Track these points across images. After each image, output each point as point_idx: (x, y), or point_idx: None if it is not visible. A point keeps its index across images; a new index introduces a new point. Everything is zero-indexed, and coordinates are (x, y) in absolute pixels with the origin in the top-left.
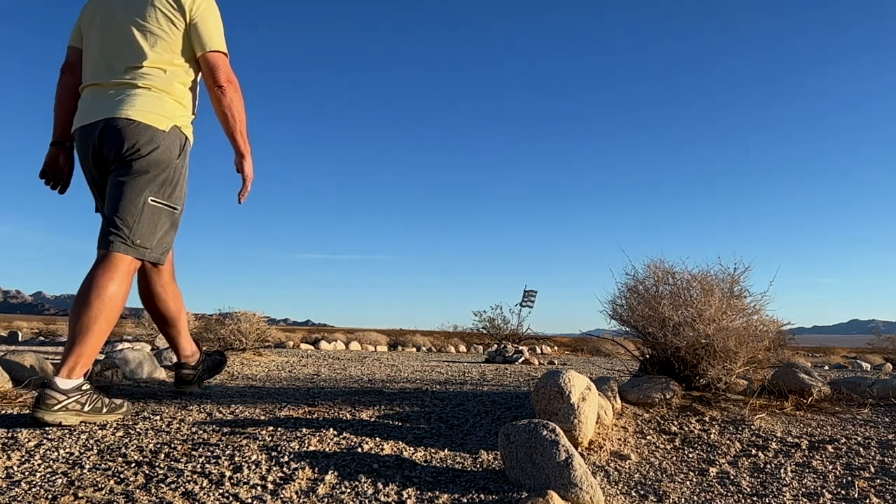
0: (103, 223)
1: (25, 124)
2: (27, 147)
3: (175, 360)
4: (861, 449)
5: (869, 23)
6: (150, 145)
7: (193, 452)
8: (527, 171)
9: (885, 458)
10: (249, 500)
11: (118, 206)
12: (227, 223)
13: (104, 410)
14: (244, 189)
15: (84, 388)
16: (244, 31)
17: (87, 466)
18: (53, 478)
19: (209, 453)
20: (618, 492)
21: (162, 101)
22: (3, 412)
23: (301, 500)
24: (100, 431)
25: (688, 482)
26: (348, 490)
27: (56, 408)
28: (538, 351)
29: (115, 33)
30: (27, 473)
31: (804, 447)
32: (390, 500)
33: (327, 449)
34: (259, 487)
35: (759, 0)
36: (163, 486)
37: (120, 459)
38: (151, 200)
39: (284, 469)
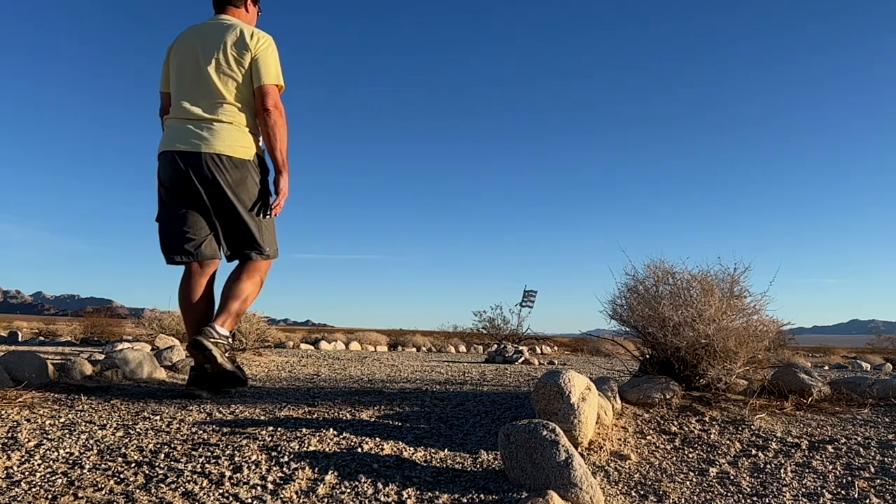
0: (240, 241)
1: (26, 124)
2: (28, 147)
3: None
4: (861, 449)
5: (873, 35)
6: (246, 176)
7: (193, 452)
8: (527, 170)
9: (885, 458)
10: (249, 500)
11: (246, 231)
12: None
13: (230, 366)
14: (277, 203)
15: (229, 340)
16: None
17: (87, 466)
18: (53, 478)
19: (209, 453)
20: (618, 492)
21: (243, 133)
22: (4, 411)
23: (301, 500)
24: (100, 431)
25: (688, 482)
26: (348, 490)
27: (212, 340)
28: (538, 351)
29: (196, 75)
30: (27, 473)
31: (804, 447)
32: (390, 500)
33: (327, 449)
34: (259, 487)
35: (767, 11)
36: (163, 486)
37: (120, 459)
38: (262, 218)
39: (284, 469)
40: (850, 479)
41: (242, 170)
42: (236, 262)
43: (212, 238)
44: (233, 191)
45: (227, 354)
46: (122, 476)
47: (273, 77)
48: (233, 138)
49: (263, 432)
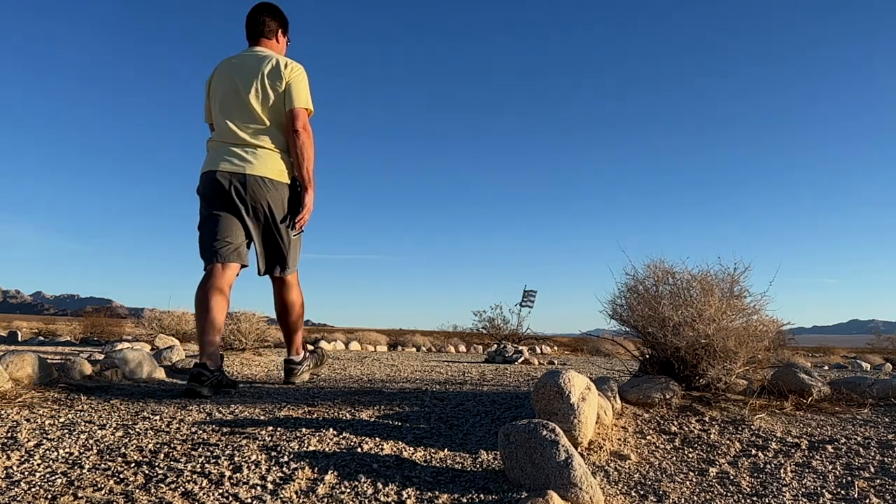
0: (273, 257)
1: (25, 124)
2: (27, 147)
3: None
4: (861, 449)
5: (871, 34)
6: (284, 197)
7: (193, 452)
8: (527, 170)
9: (885, 458)
10: (249, 500)
11: (282, 248)
12: None
13: (313, 367)
14: (301, 218)
15: (305, 358)
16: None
17: (87, 466)
18: (53, 478)
19: (209, 453)
20: (618, 492)
21: (282, 158)
22: (4, 411)
23: (301, 500)
24: (99, 431)
25: (688, 482)
26: (348, 490)
27: (299, 374)
28: (538, 351)
29: (237, 103)
30: (27, 473)
31: (804, 447)
32: (390, 500)
33: (327, 449)
34: (259, 487)
35: (767, 10)
36: (162, 486)
37: (119, 459)
38: (294, 236)
39: (284, 469)
40: (850, 479)
41: (281, 191)
42: (262, 277)
43: (244, 245)
44: (272, 210)
45: (309, 368)
46: (121, 476)
47: (303, 101)
48: (274, 161)
49: (263, 432)
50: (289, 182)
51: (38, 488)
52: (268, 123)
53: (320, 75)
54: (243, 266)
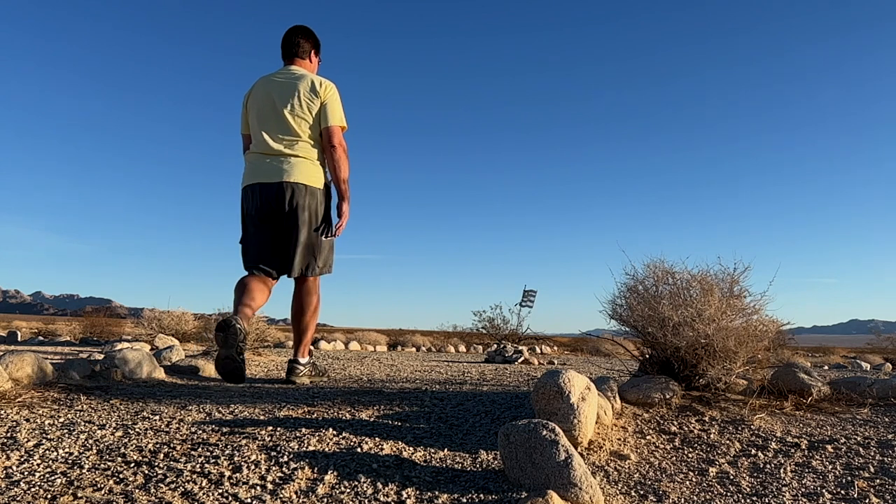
0: (300, 257)
1: (25, 123)
2: (27, 147)
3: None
4: (861, 449)
5: (868, 28)
6: (317, 202)
7: (193, 452)
8: (526, 170)
9: (885, 458)
10: (249, 500)
11: (311, 249)
12: (226, 223)
13: (314, 375)
14: (340, 225)
15: (309, 363)
16: (245, 27)
17: (87, 466)
18: (53, 478)
19: (208, 453)
20: (617, 492)
21: (315, 166)
22: (4, 411)
23: (300, 500)
24: (99, 431)
25: (687, 482)
26: (348, 490)
27: (300, 374)
28: (538, 351)
29: (274, 117)
30: (26, 473)
31: (804, 447)
32: (390, 499)
33: (327, 449)
34: (258, 487)
35: (757, 8)
36: (162, 485)
37: (119, 459)
38: (326, 238)
39: (284, 469)
40: (849, 478)
41: (316, 197)
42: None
43: (279, 257)
44: (307, 214)
45: (311, 374)
46: (121, 476)
47: (338, 120)
48: (308, 170)
49: (263, 432)
50: (322, 188)
51: (37, 488)
52: (303, 136)
53: (321, 71)
54: (279, 276)
